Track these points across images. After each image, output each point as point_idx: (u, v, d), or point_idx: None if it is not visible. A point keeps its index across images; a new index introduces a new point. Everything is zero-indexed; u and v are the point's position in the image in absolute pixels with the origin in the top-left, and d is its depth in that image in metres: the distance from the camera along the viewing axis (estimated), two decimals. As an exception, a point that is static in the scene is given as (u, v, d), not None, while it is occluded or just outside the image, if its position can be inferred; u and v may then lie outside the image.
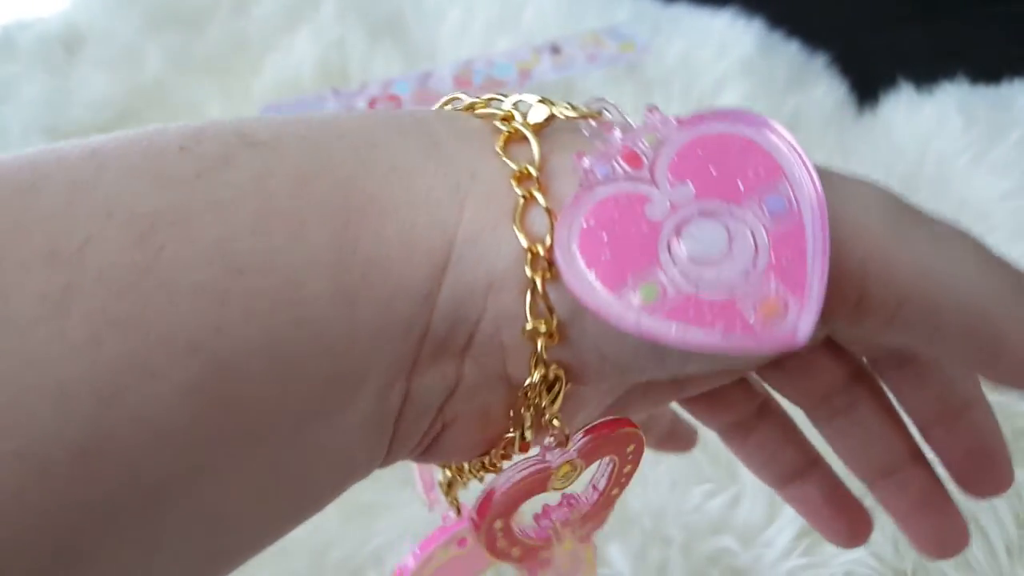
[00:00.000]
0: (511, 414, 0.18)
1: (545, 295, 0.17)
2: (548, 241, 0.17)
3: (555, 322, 0.17)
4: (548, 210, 0.17)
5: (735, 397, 0.27)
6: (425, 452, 0.19)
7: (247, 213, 0.16)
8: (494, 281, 0.17)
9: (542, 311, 0.17)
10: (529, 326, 0.17)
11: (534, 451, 0.19)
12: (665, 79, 0.68)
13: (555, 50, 0.70)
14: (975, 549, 0.42)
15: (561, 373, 0.18)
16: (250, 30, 0.75)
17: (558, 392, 0.18)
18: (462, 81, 0.68)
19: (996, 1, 0.76)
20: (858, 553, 0.43)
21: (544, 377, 0.17)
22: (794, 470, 0.28)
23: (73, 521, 0.14)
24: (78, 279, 0.14)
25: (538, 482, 0.18)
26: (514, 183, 0.17)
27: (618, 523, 0.45)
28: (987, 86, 0.64)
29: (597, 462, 0.20)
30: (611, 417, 0.19)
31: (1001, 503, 0.43)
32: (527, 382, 0.17)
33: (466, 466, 0.20)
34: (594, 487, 0.21)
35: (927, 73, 0.65)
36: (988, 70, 0.65)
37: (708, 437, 0.48)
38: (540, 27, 0.74)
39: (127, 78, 0.70)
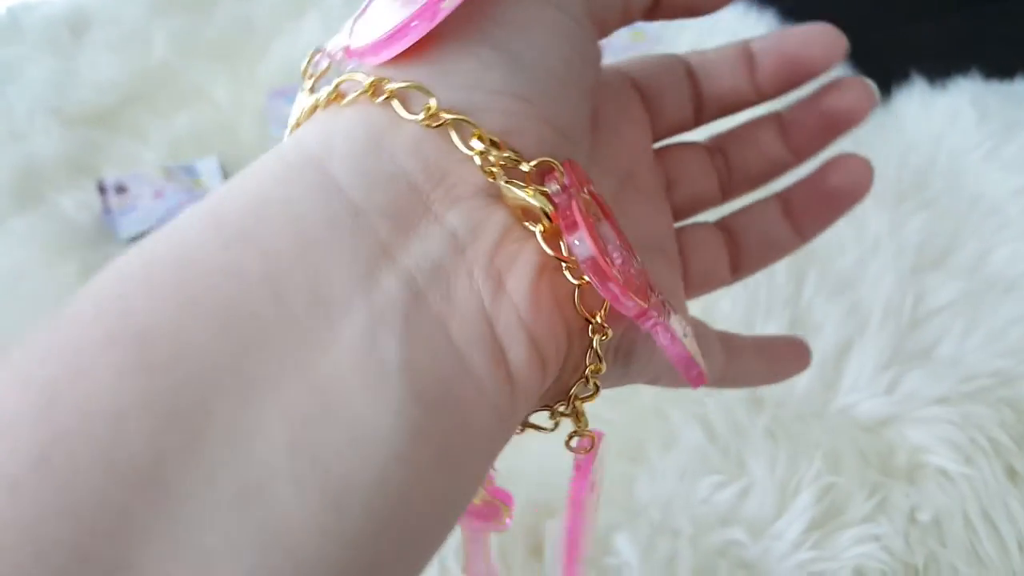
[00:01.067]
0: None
1: None
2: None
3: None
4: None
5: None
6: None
7: None
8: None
9: None
10: None
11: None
12: (676, 70, 0.67)
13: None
14: (986, 544, 0.42)
15: None
16: (257, 15, 0.74)
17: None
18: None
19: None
20: (868, 547, 0.42)
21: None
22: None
23: None
24: None
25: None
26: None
27: (626, 514, 0.45)
28: (1000, 82, 0.64)
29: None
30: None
31: (1013, 499, 0.43)
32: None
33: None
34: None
35: (940, 68, 0.65)
36: (1001, 66, 0.65)
37: (717, 428, 0.48)
38: None
39: (133, 61, 0.70)
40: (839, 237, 0.55)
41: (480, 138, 0.18)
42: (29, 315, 0.52)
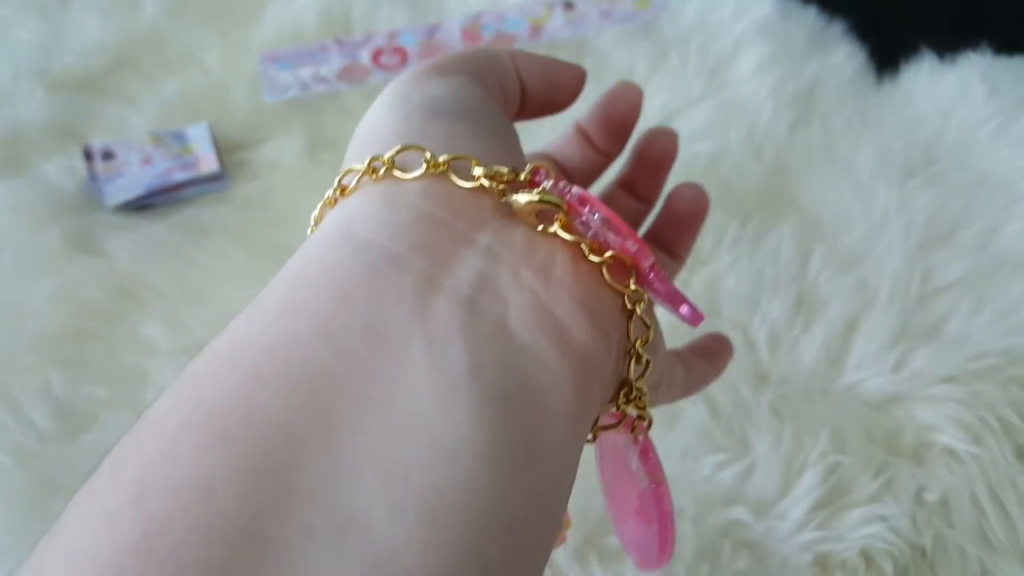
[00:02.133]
0: None
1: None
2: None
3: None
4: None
5: None
6: None
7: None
8: None
9: None
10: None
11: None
12: (682, 39, 0.66)
13: (568, 5, 0.68)
14: (995, 525, 0.41)
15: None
16: (250, -22, 0.72)
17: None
18: (471, 35, 0.66)
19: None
20: (876, 527, 0.42)
21: None
22: None
23: None
24: None
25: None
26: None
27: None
28: (1010, 57, 0.62)
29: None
30: None
31: (1022, 480, 0.43)
32: None
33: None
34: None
35: (949, 42, 0.64)
36: (1011, 42, 0.64)
37: (721, 405, 0.47)
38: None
39: (122, 24, 0.68)
40: (846, 212, 0.54)
41: (479, 167, 0.20)
42: (11, 283, 0.51)
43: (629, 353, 0.22)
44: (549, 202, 0.20)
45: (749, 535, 0.43)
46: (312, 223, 0.22)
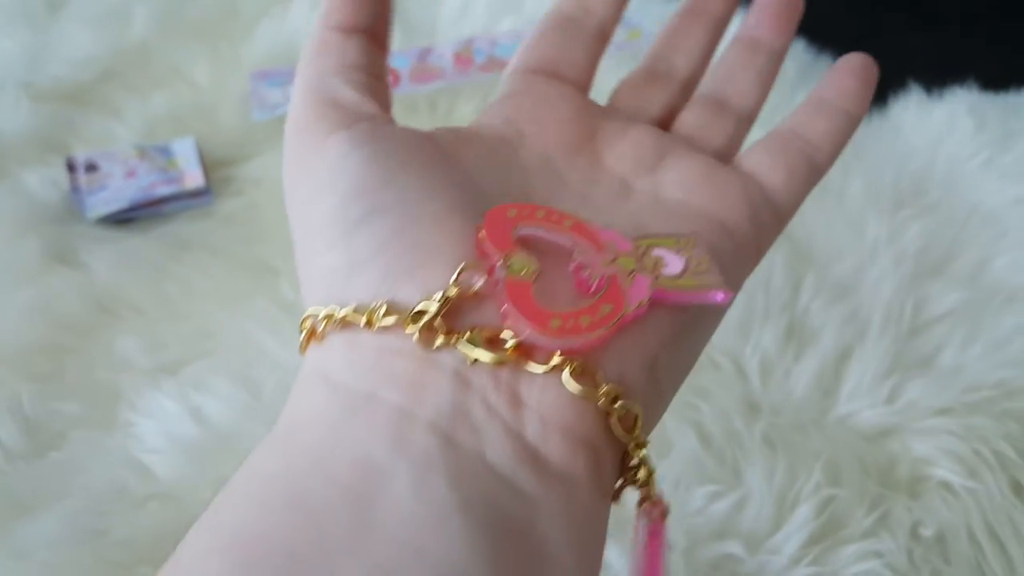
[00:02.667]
0: None
1: None
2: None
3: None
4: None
5: None
6: None
7: None
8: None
9: None
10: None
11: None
12: (672, 70, 0.66)
13: (561, 33, 0.67)
14: (992, 562, 0.40)
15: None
16: (242, -2, 0.72)
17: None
18: (463, 59, 0.65)
19: (998, 16, 0.75)
20: (871, 563, 0.41)
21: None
22: None
23: None
24: None
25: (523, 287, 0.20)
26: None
27: (614, 524, 0.43)
28: (996, 93, 0.63)
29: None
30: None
31: (1019, 515, 0.42)
32: None
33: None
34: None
35: (936, 77, 0.64)
36: (996, 79, 0.65)
37: (712, 435, 0.46)
38: (541, 12, 0.72)
39: (111, 37, 0.67)
40: (837, 242, 0.54)
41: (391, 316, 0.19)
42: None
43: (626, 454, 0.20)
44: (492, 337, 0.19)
45: (742, 570, 0.42)
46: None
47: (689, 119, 0.27)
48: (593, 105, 0.27)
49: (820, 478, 0.43)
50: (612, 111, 0.27)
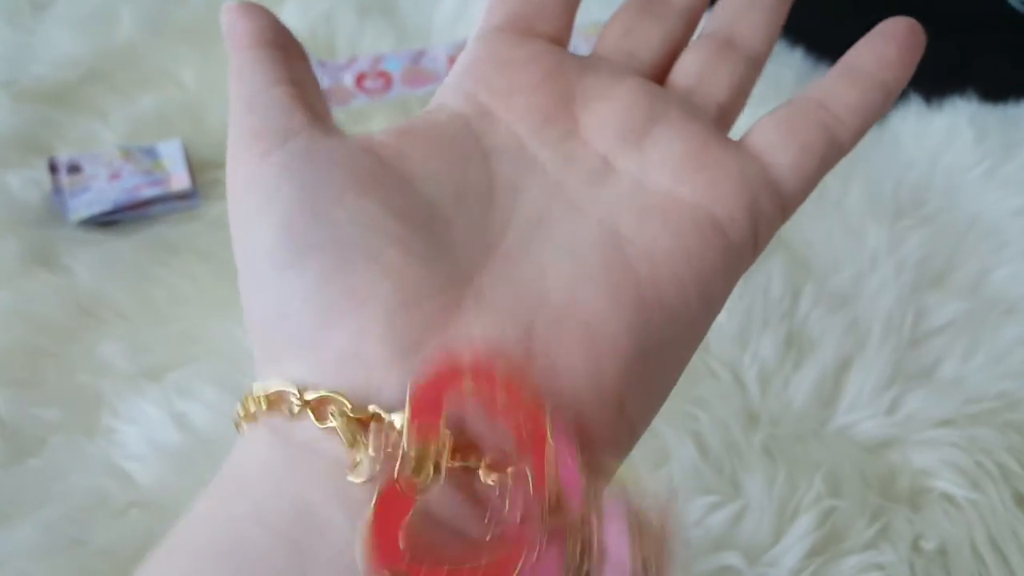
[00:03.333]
0: None
1: None
2: None
3: None
4: None
5: None
6: None
7: None
8: None
9: None
10: None
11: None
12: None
13: (555, 39, 0.67)
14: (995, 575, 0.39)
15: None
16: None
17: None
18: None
19: (996, 28, 0.75)
20: (876, 575, 0.40)
21: None
22: None
23: None
24: None
25: (403, 502, 0.17)
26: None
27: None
28: (995, 104, 0.63)
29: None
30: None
31: (1022, 527, 0.41)
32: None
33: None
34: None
35: (935, 88, 0.64)
36: (995, 89, 0.64)
37: (711, 445, 0.45)
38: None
39: (96, 37, 0.65)
40: (836, 252, 0.53)
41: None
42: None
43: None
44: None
45: (740, 583, 0.41)
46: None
47: (690, 63, 0.24)
48: (571, 59, 0.23)
49: (821, 489, 0.43)
50: (596, 63, 0.23)
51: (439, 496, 0.17)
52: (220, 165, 0.59)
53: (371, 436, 0.17)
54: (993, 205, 0.55)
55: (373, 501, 0.16)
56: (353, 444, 0.17)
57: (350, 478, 0.17)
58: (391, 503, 0.16)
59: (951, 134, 0.60)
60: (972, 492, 0.42)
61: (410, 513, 0.17)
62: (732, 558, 0.41)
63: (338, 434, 0.17)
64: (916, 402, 0.46)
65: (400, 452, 0.17)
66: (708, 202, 0.21)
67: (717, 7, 0.25)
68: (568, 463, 0.17)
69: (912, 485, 0.43)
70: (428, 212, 0.20)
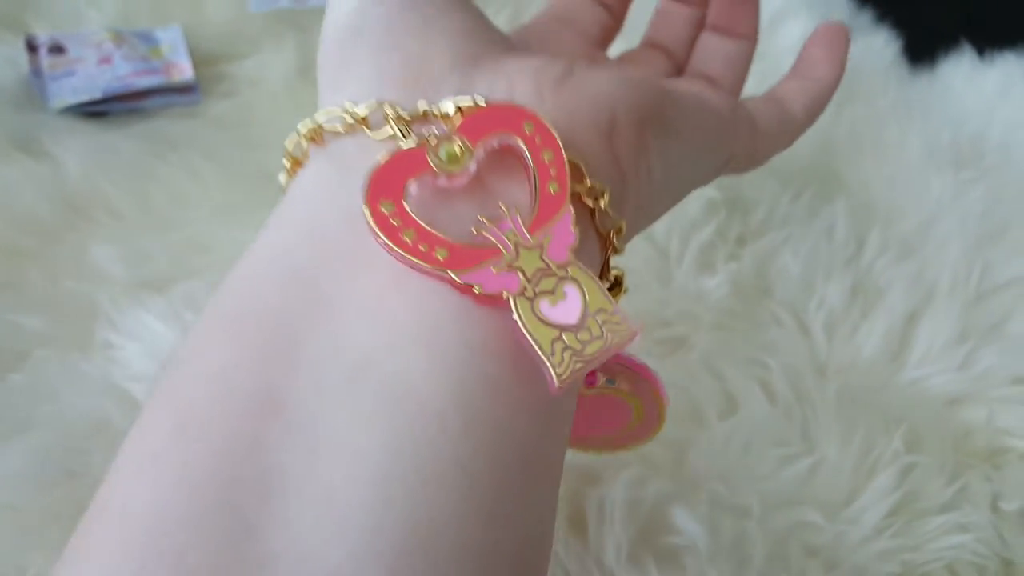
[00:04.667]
0: None
1: None
2: None
3: None
4: None
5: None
6: None
7: None
8: None
9: None
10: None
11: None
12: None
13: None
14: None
15: None
16: None
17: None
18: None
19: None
20: (962, 537, 0.37)
21: None
22: None
23: None
24: None
25: (415, 158, 0.18)
26: None
27: (677, 484, 0.38)
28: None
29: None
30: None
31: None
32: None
33: None
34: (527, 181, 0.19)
35: (986, 39, 0.61)
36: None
37: (780, 393, 0.42)
38: None
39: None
40: (899, 199, 0.50)
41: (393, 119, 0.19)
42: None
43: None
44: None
45: (817, 540, 0.37)
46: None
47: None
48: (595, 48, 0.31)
49: (899, 445, 0.39)
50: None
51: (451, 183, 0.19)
52: (222, 59, 0.52)
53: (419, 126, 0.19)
54: (1052, 162, 0.53)
55: (392, 150, 0.18)
56: (406, 136, 0.19)
57: (402, 144, 0.18)
58: (402, 160, 0.18)
59: (1005, 88, 0.57)
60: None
61: (419, 174, 0.18)
62: (810, 513, 0.37)
63: (391, 133, 0.19)
64: (989, 358, 0.43)
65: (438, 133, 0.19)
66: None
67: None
68: (563, 233, 0.19)
69: (989, 444, 0.41)
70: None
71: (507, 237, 0.18)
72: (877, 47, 0.60)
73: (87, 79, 0.47)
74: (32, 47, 0.47)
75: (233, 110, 0.48)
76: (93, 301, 0.38)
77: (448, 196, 0.19)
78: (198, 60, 0.50)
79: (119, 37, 0.49)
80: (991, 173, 0.53)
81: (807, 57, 0.31)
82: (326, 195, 0.19)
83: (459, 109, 0.19)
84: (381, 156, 0.18)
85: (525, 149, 0.19)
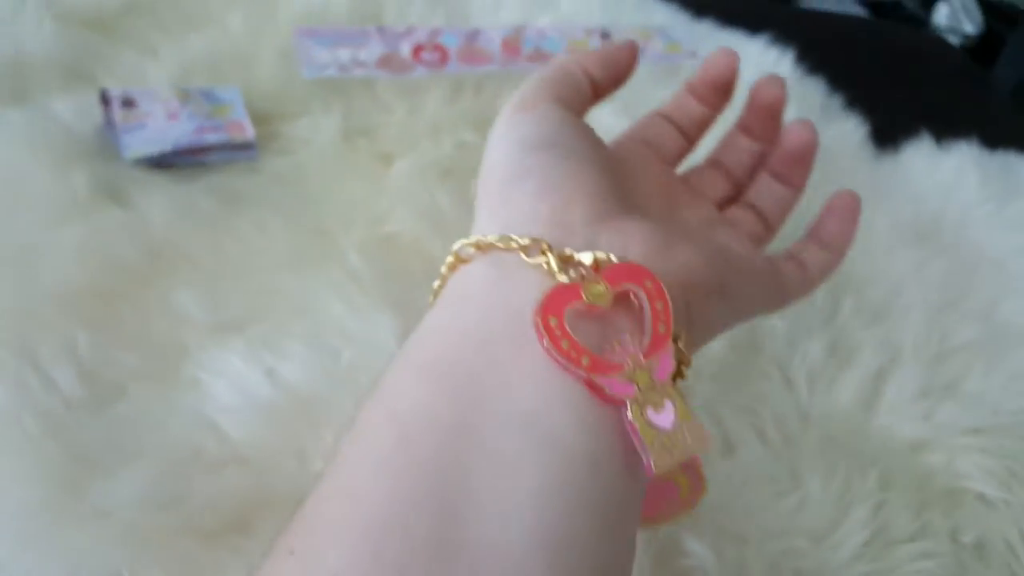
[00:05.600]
0: None
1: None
2: None
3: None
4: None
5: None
6: None
7: None
8: None
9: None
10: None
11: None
12: (707, 87, 0.68)
13: (605, 35, 0.69)
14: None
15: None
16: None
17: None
18: (511, 47, 0.65)
19: (978, 89, 0.83)
20: (926, 563, 0.43)
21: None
22: None
23: None
24: None
25: (573, 291, 0.25)
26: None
27: (688, 516, 0.44)
28: (993, 152, 0.69)
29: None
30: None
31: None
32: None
33: None
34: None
35: (940, 131, 0.69)
36: (988, 140, 0.70)
37: (771, 438, 0.48)
38: (576, 15, 0.73)
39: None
40: (870, 270, 0.58)
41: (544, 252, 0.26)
42: (31, 227, 0.44)
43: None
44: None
45: (806, 564, 0.44)
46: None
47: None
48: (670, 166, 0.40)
49: (873, 484, 0.46)
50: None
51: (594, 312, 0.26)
52: (276, 119, 0.58)
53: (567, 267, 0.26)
54: (1001, 242, 0.61)
55: (554, 284, 0.25)
56: (560, 271, 0.25)
57: (559, 278, 0.25)
58: (565, 291, 0.25)
59: (959, 174, 0.65)
60: (1004, 492, 0.46)
61: (574, 304, 0.25)
62: (798, 541, 0.44)
63: (543, 267, 0.26)
64: (948, 411, 0.50)
65: (585, 274, 0.26)
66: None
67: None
68: (666, 361, 0.26)
69: (948, 485, 0.48)
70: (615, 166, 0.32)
71: (629, 358, 0.25)
72: (848, 131, 0.68)
73: (157, 132, 0.51)
74: (106, 100, 0.52)
75: (289, 167, 0.54)
76: (180, 341, 0.43)
77: (586, 318, 0.25)
78: (252, 117, 0.56)
79: (185, 95, 0.54)
80: (949, 249, 0.60)
81: (825, 228, 0.40)
82: (493, 290, 0.26)
83: (595, 259, 0.26)
84: (550, 285, 0.25)
85: (645, 298, 0.26)
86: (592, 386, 0.24)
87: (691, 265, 0.28)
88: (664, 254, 0.28)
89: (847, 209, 0.40)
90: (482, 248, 0.27)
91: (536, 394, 0.23)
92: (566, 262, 0.26)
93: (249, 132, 0.53)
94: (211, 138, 0.52)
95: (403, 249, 0.50)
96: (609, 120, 0.63)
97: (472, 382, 0.23)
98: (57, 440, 0.37)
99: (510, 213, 0.28)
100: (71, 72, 0.54)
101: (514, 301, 0.25)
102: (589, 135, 0.32)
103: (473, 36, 0.64)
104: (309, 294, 0.46)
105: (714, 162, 0.41)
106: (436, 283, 0.28)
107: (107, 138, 0.51)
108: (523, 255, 0.26)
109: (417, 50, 0.62)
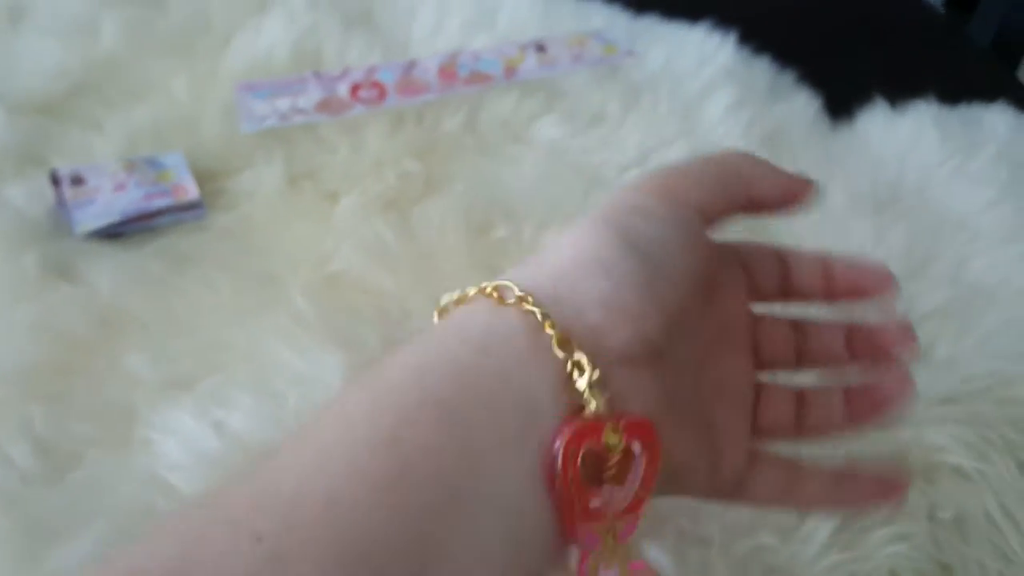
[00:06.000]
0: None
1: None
2: None
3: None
4: None
5: None
6: None
7: None
8: None
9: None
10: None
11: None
12: (651, 83, 0.68)
13: (540, 48, 0.69)
14: (1011, 541, 0.43)
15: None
16: (213, 11, 0.70)
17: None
18: (447, 73, 0.66)
19: (942, 42, 0.81)
20: (901, 546, 0.42)
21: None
22: None
23: None
24: None
25: (595, 430, 0.26)
26: None
27: (648, 521, 0.43)
28: (953, 107, 0.67)
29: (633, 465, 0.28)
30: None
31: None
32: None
33: None
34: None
35: (897, 93, 0.68)
36: (951, 94, 0.69)
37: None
38: (514, 30, 0.73)
39: (78, 50, 0.64)
40: (825, 246, 0.56)
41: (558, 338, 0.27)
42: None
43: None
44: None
45: (776, 560, 0.43)
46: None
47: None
48: None
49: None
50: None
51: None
52: (221, 176, 0.59)
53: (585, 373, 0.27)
54: (963, 201, 0.60)
55: (577, 425, 0.26)
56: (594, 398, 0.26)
57: (579, 384, 0.26)
58: (590, 429, 0.26)
59: (917, 135, 0.64)
60: (980, 463, 0.45)
61: (593, 440, 0.26)
62: (766, 537, 0.43)
63: (574, 375, 0.26)
64: (919, 381, 0.49)
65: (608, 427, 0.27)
66: None
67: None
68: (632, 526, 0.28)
69: (923, 460, 0.46)
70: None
71: (610, 515, 0.27)
72: (798, 107, 0.67)
73: (106, 205, 0.53)
74: (56, 180, 0.54)
75: (235, 221, 0.55)
76: (131, 403, 0.44)
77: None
78: (199, 177, 0.57)
79: (131, 165, 0.56)
80: (910, 213, 0.59)
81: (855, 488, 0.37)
82: (523, 358, 0.27)
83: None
84: (580, 423, 0.26)
85: (643, 461, 0.27)
86: (569, 522, 0.26)
87: (667, 447, 0.28)
88: (656, 422, 0.28)
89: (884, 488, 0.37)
90: (521, 303, 0.27)
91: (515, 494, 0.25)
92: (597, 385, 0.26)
93: (193, 193, 0.55)
94: (158, 203, 0.54)
95: (349, 286, 0.51)
96: (551, 131, 0.63)
97: (459, 424, 0.25)
98: (12, 514, 0.39)
99: (566, 296, 0.28)
100: (24, 157, 0.56)
101: (536, 394, 0.26)
102: (698, 251, 0.31)
103: (409, 68, 0.65)
104: (256, 343, 0.47)
105: (797, 326, 0.37)
106: (472, 290, 0.28)
107: (59, 216, 0.53)
108: (555, 345, 0.26)
109: (355, 89, 0.63)
